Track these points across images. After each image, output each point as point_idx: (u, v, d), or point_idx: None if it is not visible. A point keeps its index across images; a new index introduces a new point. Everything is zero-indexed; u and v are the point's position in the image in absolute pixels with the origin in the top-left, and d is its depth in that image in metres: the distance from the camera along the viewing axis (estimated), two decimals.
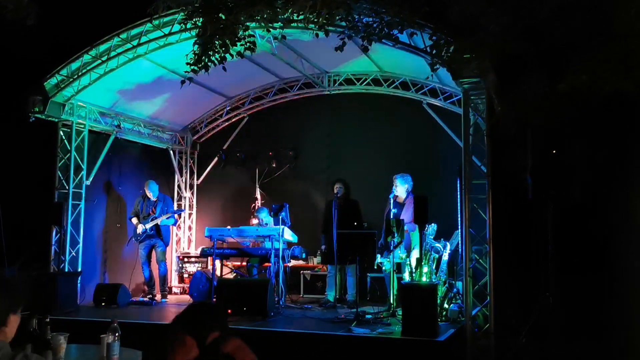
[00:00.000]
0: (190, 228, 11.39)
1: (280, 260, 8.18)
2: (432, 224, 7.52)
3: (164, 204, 9.35)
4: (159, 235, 9.20)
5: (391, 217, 7.82)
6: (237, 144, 11.09)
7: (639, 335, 5.99)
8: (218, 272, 8.84)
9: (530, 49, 5.50)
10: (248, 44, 5.43)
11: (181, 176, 11.33)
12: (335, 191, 8.68)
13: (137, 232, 9.14)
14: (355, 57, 9.02)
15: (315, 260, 9.95)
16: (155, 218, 9.10)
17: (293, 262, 9.44)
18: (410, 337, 5.87)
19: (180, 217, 10.85)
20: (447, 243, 7.55)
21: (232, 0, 5.22)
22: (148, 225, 9.08)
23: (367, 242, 7.38)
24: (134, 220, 9.26)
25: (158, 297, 9.10)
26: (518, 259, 6.97)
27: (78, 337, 3.93)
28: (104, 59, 7.98)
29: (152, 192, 9.28)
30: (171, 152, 11.10)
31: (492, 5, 5.26)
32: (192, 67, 5.40)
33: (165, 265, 9.36)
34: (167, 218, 9.21)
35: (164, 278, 9.29)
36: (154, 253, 9.25)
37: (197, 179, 11.54)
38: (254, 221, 9.71)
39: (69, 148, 8.71)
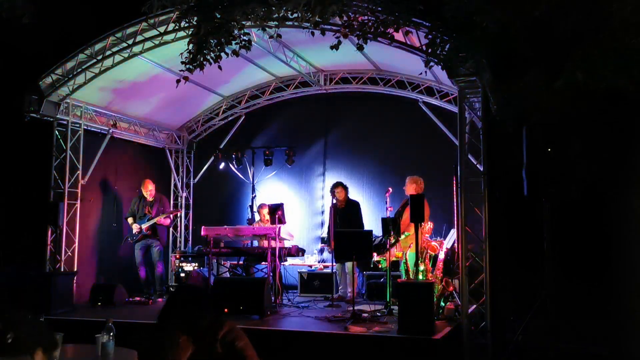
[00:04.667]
0: (186, 227, 11.38)
1: (277, 259, 8.17)
2: (429, 222, 7.53)
3: (160, 204, 9.33)
4: (156, 235, 9.19)
5: (387, 215, 7.86)
6: (233, 143, 11.08)
7: (636, 333, 6.00)
8: (215, 271, 8.83)
9: (527, 46, 5.50)
10: (243, 42, 5.42)
11: (177, 175, 11.31)
12: (337, 196, 8.75)
13: (133, 232, 9.12)
14: (351, 56, 9.02)
15: (312, 259, 9.96)
16: (152, 218, 9.08)
17: (290, 261, 9.44)
18: (407, 335, 5.88)
19: (176, 217, 10.85)
20: (443, 241, 7.56)
21: None
22: (144, 226, 9.06)
23: (363, 241, 7.38)
24: (130, 220, 9.24)
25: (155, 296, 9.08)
26: (514, 257, 6.98)
27: (73, 337, 3.91)
28: (99, 58, 7.96)
29: (148, 192, 9.27)
30: (167, 151, 11.09)
31: (488, 2, 5.26)
32: (187, 66, 5.39)
33: (163, 265, 9.34)
34: (164, 218, 9.19)
35: (161, 277, 9.27)
36: (150, 253, 9.23)
37: (194, 178, 11.53)
38: (257, 217, 9.67)
39: (65, 147, 8.69)
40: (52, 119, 8.50)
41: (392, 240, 7.61)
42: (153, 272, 9.26)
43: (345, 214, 8.75)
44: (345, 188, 8.87)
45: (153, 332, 2.80)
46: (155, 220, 9.09)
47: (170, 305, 2.86)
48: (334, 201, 8.76)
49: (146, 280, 9.16)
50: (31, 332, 2.35)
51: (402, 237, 7.76)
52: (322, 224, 10.19)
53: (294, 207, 10.44)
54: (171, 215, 9.49)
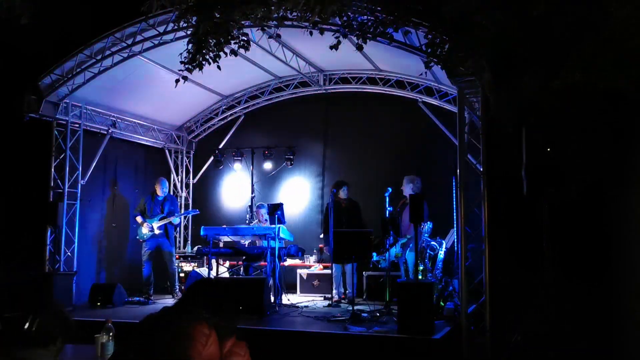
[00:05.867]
0: (186, 227, 11.38)
1: (277, 259, 8.17)
2: (428, 222, 7.53)
3: (171, 203, 9.35)
4: (167, 234, 9.19)
5: (386, 215, 7.86)
6: (232, 143, 11.08)
7: (636, 333, 6.00)
8: (214, 271, 8.83)
9: (526, 46, 5.50)
10: (242, 42, 5.41)
11: (177, 175, 11.31)
12: (340, 195, 8.74)
13: (144, 231, 9.08)
14: (351, 56, 9.02)
15: (312, 259, 9.95)
16: (164, 217, 9.06)
17: (289, 261, 9.44)
18: (406, 335, 5.88)
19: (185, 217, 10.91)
20: (443, 241, 7.56)
21: None
22: (156, 224, 9.03)
23: (362, 241, 7.38)
24: (139, 219, 9.19)
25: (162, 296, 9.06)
26: (514, 257, 6.97)
27: (72, 337, 3.90)
28: (98, 58, 7.96)
29: (163, 189, 9.28)
30: (167, 151, 11.09)
31: (487, 2, 5.25)
32: (186, 65, 5.38)
33: (174, 265, 9.36)
34: (178, 215, 9.22)
35: (173, 275, 9.28)
36: (160, 252, 9.21)
37: (193, 178, 11.54)
38: (255, 220, 9.67)
39: (64, 147, 8.69)
40: (51, 119, 8.51)
41: (391, 240, 7.62)
42: (156, 271, 9.25)
43: (350, 212, 8.74)
44: (349, 187, 8.93)
45: (165, 322, 2.64)
46: (169, 219, 9.10)
47: (195, 292, 2.68)
48: (332, 199, 8.70)
49: (147, 280, 9.10)
50: (53, 321, 2.35)
51: (403, 240, 7.77)
52: (322, 224, 10.17)
53: (293, 207, 10.44)
54: (182, 217, 9.48)
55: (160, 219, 9.07)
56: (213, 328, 2.50)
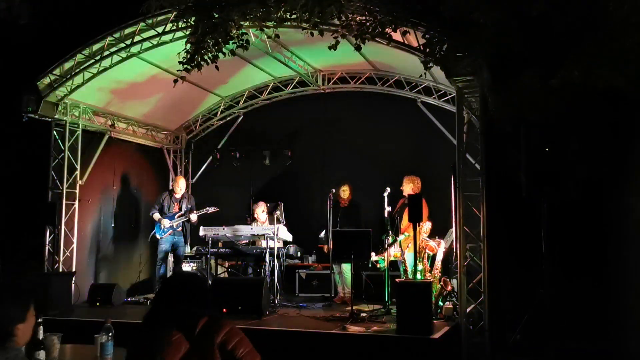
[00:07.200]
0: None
1: (275, 259, 8.17)
2: (427, 222, 7.53)
3: (189, 201, 9.37)
4: (184, 232, 9.21)
5: (385, 215, 7.85)
6: (231, 143, 11.07)
7: (635, 332, 6.01)
8: (213, 272, 8.83)
9: (525, 46, 5.51)
10: (241, 42, 5.42)
11: (176, 175, 11.29)
12: (340, 194, 8.71)
13: (162, 229, 9.09)
14: (350, 56, 9.01)
15: (311, 259, 9.94)
16: (182, 215, 9.07)
17: (288, 261, 9.44)
18: (405, 335, 5.88)
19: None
20: (442, 241, 7.55)
21: None
22: (175, 222, 9.07)
23: (361, 240, 7.38)
24: (156, 216, 9.18)
25: None
26: (512, 256, 6.99)
27: (72, 337, 3.90)
28: (97, 58, 7.94)
29: (181, 187, 9.31)
30: (166, 151, 11.08)
31: (486, 1, 5.26)
32: (184, 66, 5.39)
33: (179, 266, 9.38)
34: (197, 213, 9.24)
35: None
36: (176, 251, 9.22)
37: (192, 178, 11.52)
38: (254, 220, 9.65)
39: (63, 148, 8.67)
40: (50, 119, 8.48)
41: (390, 240, 7.62)
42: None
43: (348, 213, 8.70)
44: (351, 187, 8.86)
45: (142, 329, 2.62)
46: (188, 216, 9.13)
47: (161, 296, 2.65)
48: (332, 200, 8.68)
49: (161, 279, 9.09)
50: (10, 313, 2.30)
51: (402, 237, 7.76)
52: (321, 224, 10.17)
53: (292, 207, 10.42)
54: (197, 215, 9.49)
55: (178, 216, 9.10)
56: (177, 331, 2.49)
